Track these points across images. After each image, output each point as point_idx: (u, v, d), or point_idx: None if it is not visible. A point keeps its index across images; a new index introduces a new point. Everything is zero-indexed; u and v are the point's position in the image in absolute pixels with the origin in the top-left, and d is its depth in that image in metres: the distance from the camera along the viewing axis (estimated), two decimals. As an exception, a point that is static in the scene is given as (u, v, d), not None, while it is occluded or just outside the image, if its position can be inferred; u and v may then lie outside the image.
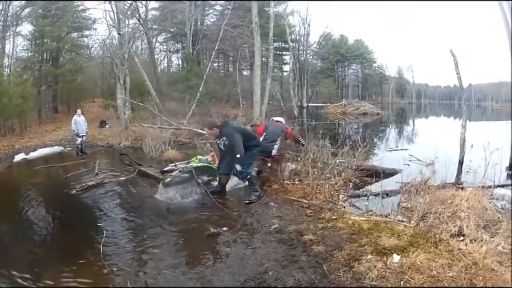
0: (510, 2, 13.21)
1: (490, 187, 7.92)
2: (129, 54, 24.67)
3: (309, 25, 54.68)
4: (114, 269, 5.15)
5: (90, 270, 5.15)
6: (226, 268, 5.10)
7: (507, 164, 11.79)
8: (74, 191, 9.70)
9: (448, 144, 13.26)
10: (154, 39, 43.67)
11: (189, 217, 7.45)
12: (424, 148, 13.83)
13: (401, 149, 17.25)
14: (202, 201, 8.32)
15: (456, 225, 5.82)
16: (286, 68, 56.22)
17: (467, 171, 11.07)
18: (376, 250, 5.18)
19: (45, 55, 31.69)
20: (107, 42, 29.82)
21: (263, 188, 8.73)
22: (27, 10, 30.00)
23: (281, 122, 10.38)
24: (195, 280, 4.83)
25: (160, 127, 17.88)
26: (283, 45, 52.64)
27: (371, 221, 6.43)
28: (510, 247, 5.03)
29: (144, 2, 34.36)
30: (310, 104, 53.55)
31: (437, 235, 5.44)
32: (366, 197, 8.67)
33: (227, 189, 8.90)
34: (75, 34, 34.36)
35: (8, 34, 29.00)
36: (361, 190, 9.42)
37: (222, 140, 8.31)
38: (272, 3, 27.40)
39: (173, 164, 10.51)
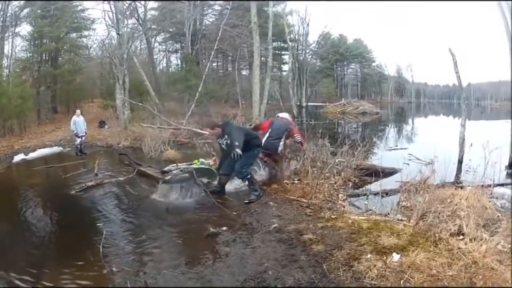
0: (509, 2, 13.21)
1: (489, 186, 7.93)
2: (128, 54, 24.68)
3: (308, 25, 54.82)
4: (113, 269, 5.15)
5: (89, 271, 5.14)
6: (226, 268, 5.09)
7: (507, 163, 11.80)
8: (73, 192, 9.70)
9: (448, 143, 13.27)
10: (153, 39, 43.69)
11: (188, 217, 7.45)
12: (423, 147, 13.82)
13: (401, 148, 17.24)
14: (201, 201, 8.30)
15: (455, 224, 5.82)
16: (285, 67, 56.29)
17: (467, 170, 11.06)
18: (375, 249, 5.18)
19: (44, 55, 31.68)
20: (106, 42, 29.87)
21: (262, 188, 8.71)
22: (26, 10, 30.02)
23: (286, 118, 10.34)
24: (195, 280, 4.83)
25: (159, 127, 17.88)
26: (282, 45, 52.64)
27: (370, 220, 6.43)
28: (510, 246, 5.03)
29: (143, 2, 34.41)
30: (309, 104, 53.63)
31: (436, 234, 5.44)
32: (365, 196, 8.66)
33: (230, 191, 8.90)
34: (74, 35, 34.34)
35: (7, 34, 28.99)
36: (360, 189, 9.41)
37: (225, 139, 8.30)
38: (271, 3, 27.40)
39: (175, 164, 10.51)
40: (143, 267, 5.22)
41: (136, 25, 32.29)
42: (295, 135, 9.84)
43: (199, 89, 25.42)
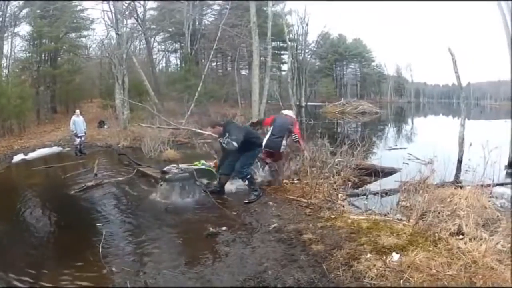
0: (509, 2, 13.22)
1: (489, 185, 7.93)
2: (127, 54, 24.67)
3: (307, 25, 54.80)
4: (113, 269, 5.15)
5: (89, 271, 5.15)
6: (226, 268, 5.10)
7: (506, 163, 11.81)
8: (73, 192, 9.70)
9: (447, 142, 13.28)
10: (152, 39, 43.61)
11: (188, 217, 7.46)
12: (423, 147, 13.82)
13: (400, 148, 17.25)
14: (201, 201, 8.31)
15: (455, 223, 5.83)
16: (285, 67, 56.31)
17: (466, 170, 11.04)
18: (375, 249, 5.19)
19: (43, 55, 31.64)
20: (105, 42, 29.84)
21: (262, 188, 8.71)
22: (25, 10, 29.97)
23: (290, 116, 10.28)
24: (195, 280, 4.84)
25: (158, 127, 17.85)
26: (281, 45, 52.56)
27: (370, 220, 6.44)
28: (509, 245, 5.03)
29: (142, 2, 34.36)
30: (308, 104, 53.64)
31: (436, 234, 5.45)
32: (365, 196, 8.67)
33: (232, 191, 8.90)
34: (73, 35, 34.30)
35: (6, 34, 28.95)
36: (360, 189, 9.42)
37: (226, 138, 8.30)
38: (270, 2, 27.36)
39: (175, 165, 10.52)
40: (143, 267, 5.23)
41: (135, 25, 32.32)
42: (293, 134, 9.79)
43: (199, 89, 25.40)
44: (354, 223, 6.32)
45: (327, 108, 47.13)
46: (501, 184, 8.81)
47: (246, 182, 8.32)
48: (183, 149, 16.00)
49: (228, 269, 5.05)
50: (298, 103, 46.53)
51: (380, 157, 11.97)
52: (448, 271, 4.46)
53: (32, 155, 16.32)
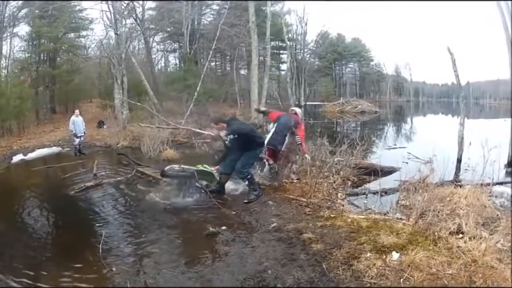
0: (508, 2, 13.24)
1: (488, 184, 7.94)
2: (126, 54, 24.68)
3: (306, 24, 54.63)
4: (113, 269, 5.15)
5: (89, 271, 5.14)
6: (226, 267, 5.10)
7: (506, 162, 11.83)
8: (72, 192, 9.70)
9: (446, 142, 13.32)
10: (151, 39, 43.52)
11: (187, 216, 7.44)
12: (422, 146, 13.83)
13: (399, 147, 17.28)
14: (200, 201, 8.29)
15: (455, 222, 5.83)
16: (284, 67, 56.25)
17: (466, 169, 11.07)
18: (375, 248, 5.19)
19: (42, 55, 31.57)
20: (104, 42, 29.85)
21: (261, 187, 8.70)
22: (24, 11, 29.90)
23: (296, 115, 10.24)
24: (195, 280, 4.83)
25: (158, 127, 17.82)
26: (280, 44, 52.48)
27: (370, 219, 6.44)
28: (509, 244, 5.04)
29: (141, 2, 34.29)
30: (308, 103, 53.53)
31: (436, 233, 5.45)
32: (364, 195, 8.69)
33: (235, 193, 8.88)
34: (72, 35, 34.22)
35: (5, 35, 28.88)
36: (359, 188, 9.45)
37: (229, 135, 8.29)
38: (268, 2, 27.43)
39: (177, 165, 10.52)
40: (142, 267, 5.22)
41: (134, 25, 32.26)
42: (296, 136, 9.77)
43: (198, 89, 25.37)
44: (354, 222, 6.32)
45: (326, 107, 47.14)
46: (501, 183, 8.82)
47: (246, 182, 8.30)
48: (182, 148, 16.02)
49: (228, 269, 5.05)
50: (297, 102, 46.40)
51: (380, 156, 12.01)
52: (448, 270, 4.46)
53: (31, 155, 16.33)
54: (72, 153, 16.63)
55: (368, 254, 5.02)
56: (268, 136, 9.46)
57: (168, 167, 9.53)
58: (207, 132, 13.84)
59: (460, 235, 5.50)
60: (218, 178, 8.84)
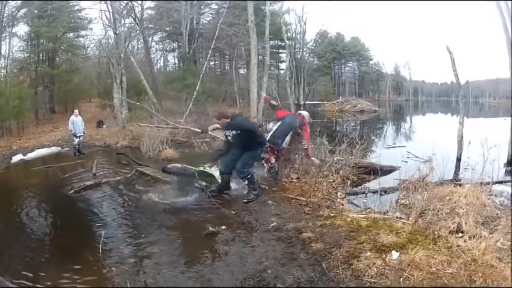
0: (508, 2, 13.24)
1: (488, 183, 7.94)
2: (125, 53, 24.64)
3: (305, 23, 54.72)
4: (113, 269, 5.15)
5: (89, 271, 5.14)
6: (225, 267, 5.10)
7: (505, 161, 11.83)
8: (72, 191, 9.70)
9: (446, 141, 13.32)
10: (150, 38, 43.50)
11: (187, 216, 7.45)
12: (421, 145, 13.85)
13: (399, 146, 17.28)
14: (200, 201, 8.30)
15: (454, 221, 5.83)
16: (283, 66, 56.37)
17: (465, 168, 11.07)
18: (375, 247, 5.19)
19: (41, 55, 31.53)
20: (103, 42, 29.88)
21: (260, 187, 8.70)
22: (23, 10, 29.86)
23: (302, 116, 10.23)
24: (194, 279, 4.83)
25: (157, 127, 17.77)
26: (279, 43, 52.53)
27: (369, 218, 6.45)
28: (509, 243, 5.04)
29: (139, 2, 34.27)
30: (307, 102, 53.52)
31: (435, 232, 5.45)
32: (364, 195, 8.69)
33: (233, 193, 8.86)
34: (71, 34, 34.17)
35: (4, 35, 28.85)
36: (359, 187, 9.45)
37: (231, 132, 8.29)
38: (267, 1, 27.39)
39: (179, 164, 10.52)
40: (142, 267, 5.22)
41: (133, 25, 32.18)
42: (303, 141, 9.78)
43: (197, 88, 25.32)
44: (354, 222, 6.33)
45: (326, 106, 47.04)
46: (500, 182, 8.80)
47: (246, 182, 8.29)
48: (182, 148, 16.01)
49: (228, 268, 5.05)
50: (296, 101, 46.42)
51: (379, 155, 11.98)
52: (448, 269, 4.46)
53: (30, 155, 16.31)
54: (71, 153, 16.61)
55: (368, 253, 5.03)
56: (270, 133, 9.49)
57: (170, 165, 9.54)
58: (199, 129, 13.76)
59: (460, 234, 5.51)
60: (218, 180, 8.86)
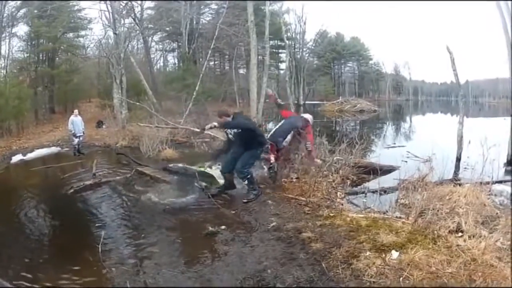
0: (508, 2, 13.24)
1: (488, 183, 7.94)
2: (125, 53, 24.62)
3: (304, 23, 54.69)
4: (113, 269, 5.15)
5: (89, 271, 5.15)
6: (225, 267, 5.10)
7: (505, 160, 11.83)
8: (72, 190, 9.71)
9: (446, 140, 13.31)
10: (150, 39, 43.45)
11: (186, 216, 7.45)
12: (421, 144, 13.83)
13: (399, 146, 17.29)
14: (199, 201, 8.30)
15: (454, 221, 5.83)
16: (283, 66, 56.24)
17: (465, 168, 11.06)
18: (374, 247, 5.20)
19: (41, 55, 31.51)
20: (103, 42, 29.79)
21: (260, 187, 8.69)
22: (22, 11, 29.84)
23: (305, 118, 10.19)
24: (194, 279, 4.83)
25: (157, 127, 17.75)
26: (279, 43, 52.49)
27: (369, 218, 6.45)
28: (509, 242, 5.04)
29: (139, 2, 34.21)
30: (307, 102, 53.52)
31: (435, 232, 5.46)
32: (364, 194, 8.69)
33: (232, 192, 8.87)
34: (71, 34, 34.13)
35: (4, 35, 28.82)
36: (358, 187, 9.44)
37: (232, 129, 8.29)
38: (267, 1, 27.37)
39: (182, 164, 10.55)
40: (142, 266, 5.22)
41: (132, 25, 32.12)
42: (307, 143, 9.79)
43: (197, 88, 25.29)
44: (353, 221, 6.33)
45: (325, 106, 46.99)
46: (500, 182, 8.80)
47: (246, 182, 8.29)
48: (182, 148, 16.01)
49: (228, 268, 5.06)
50: (296, 101, 46.39)
51: (379, 155, 11.95)
52: (448, 269, 4.46)
53: (30, 155, 16.32)
54: (71, 153, 16.61)
55: (368, 253, 5.03)
56: (272, 131, 9.53)
57: (171, 165, 9.56)
58: (198, 129, 13.78)
59: (460, 234, 5.51)
60: (219, 181, 8.89)
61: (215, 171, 9.29)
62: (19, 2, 29.20)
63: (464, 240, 5.14)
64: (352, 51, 67.75)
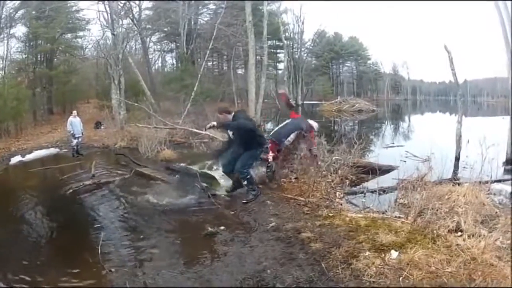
0: (507, 1, 13.24)
1: (487, 182, 7.93)
2: (123, 54, 24.59)
3: (303, 23, 54.63)
4: (112, 270, 5.14)
5: (88, 272, 5.14)
6: (224, 267, 5.10)
7: (504, 159, 11.84)
8: (70, 190, 9.73)
9: (444, 140, 13.30)
10: (148, 39, 43.37)
11: (185, 217, 7.46)
12: (420, 144, 13.83)
13: (397, 146, 17.27)
14: (199, 201, 8.31)
15: (453, 220, 5.83)
16: (281, 66, 56.15)
17: (464, 167, 11.07)
18: (374, 247, 5.20)
19: (39, 56, 31.44)
20: (101, 43, 29.68)
21: (259, 187, 8.69)
22: (20, 12, 29.80)
23: (310, 124, 10.24)
24: (194, 280, 4.83)
25: (155, 127, 17.76)
26: (277, 43, 52.42)
27: (368, 218, 6.46)
28: (508, 242, 5.04)
29: (137, 2, 34.21)
30: (305, 102, 53.47)
31: (434, 231, 5.45)
32: (363, 194, 8.69)
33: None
34: (69, 35, 34.07)
35: (2, 36, 28.80)
36: (357, 187, 9.44)
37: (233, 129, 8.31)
38: (265, 1, 27.38)
39: (184, 163, 10.57)
40: (142, 267, 5.22)
41: (130, 25, 32.05)
42: (313, 147, 9.82)
43: (195, 89, 25.29)
44: (352, 221, 6.33)
45: (324, 106, 46.91)
46: (499, 181, 8.80)
47: (245, 182, 8.29)
48: (180, 149, 15.98)
49: (227, 269, 5.06)
50: (294, 101, 46.36)
51: (378, 155, 11.95)
52: (447, 268, 4.46)
53: (29, 156, 16.33)
54: (70, 154, 16.59)
55: (367, 253, 5.03)
56: (275, 129, 9.58)
57: (174, 165, 9.58)
58: (204, 132, 13.83)
59: (459, 233, 5.51)
60: (219, 181, 8.92)
61: (216, 172, 9.31)
62: (17, 3, 29.18)
63: (464, 240, 5.14)
64: (350, 51, 67.73)
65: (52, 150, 18.11)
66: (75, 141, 16.31)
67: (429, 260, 4.64)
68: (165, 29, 41.86)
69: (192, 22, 37.48)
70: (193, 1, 35.42)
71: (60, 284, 4.91)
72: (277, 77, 55.31)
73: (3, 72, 28.27)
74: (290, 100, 11.01)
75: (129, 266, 5.28)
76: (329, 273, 4.70)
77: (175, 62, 48.17)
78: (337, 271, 4.71)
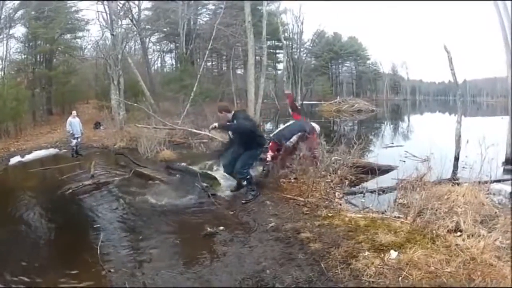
0: (507, 1, 13.24)
1: (486, 182, 7.93)
2: (122, 54, 24.56)
3: (302, 23, 54.72)
4: (112, 270, 5.14)
5: (88, 272, 5.14)
6: (224, 267, 5.10)
7: (503, 159, 11.84)
8: (70, 190, 9.73)
9: (444, 140, 13.30)
10: (147, 39, 43.38)
11: (185, 217, 7.46)
12: (419, 144, 13.84)
13: (397, 146, 17.26)
14: (198, 201, 8.31)
15: (453, 220, 5.83)
16: (280, 66, 56.15)
17: (463, 167, 11.08)
18: (373, 247, 5.20)
19: (38, 57, 31.44)
20: (100, 43, 29.68)
21: (258, 187, 8.69)
22: (20, 12, 29.78)
23: (312, 127, 10.27)
24: (193, 280, 4.83)
25: (155, 128, 17.75)
26: (276, 44, 52.44)
27: (367, 218, 6.45)
28: (508, 241, 5.05)
29: (136, 2, 34.19)
30: (304, 102, 53.46)
31: (434, 231, 5.45)
32: (362, 194, 8.68)
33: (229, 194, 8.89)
34: (68, 36, 34.07)
35: (1, 36, 28.81)
36: (357, 187, 9.43)
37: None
38: (264, 2, 27.35)
39: (185, 163, 10.59)
40: (141, 267, 5.22)
41: (130, 26, 32.03)
42: (315, 149, 9.82)
43: (194, 89, 25.29)
44: (352, 221, 6.33)
45: (323, 106, 46.92)
46: (499, 181, 8.80)
47: (245, 182, 8.31)
48: (180, 149, 15.97)
49: (226, 269, 5.06)
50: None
51: (377, 155, 11.95)
52: (447, 268, 4.46)
53: (28, 157, 16.32)
54: (69, 154, 16.58)
55: (366, 253, 5.03)
56: (278, 130, 9.61)
57: (175, 164, 9.60)
58: (204, 132, 13.84)
59: (458, 233, 5.51)
60: (220, 182, 8.94)
61: (217, 172, 9.33)
62: (16, 3, 29.17)
63: (463, 240, 5.14)
64: (349, 51, 67.77)
65: (52, 151, 18.08)
66: (74, 142, 16.31)
67: (428, 260, 4.64)
68: (165, 29, 41.86)
69: (192, 23, 37.49)
70: (192, 1, 35.40)
71: (59, 284, 4.91)
72: (277, 77, 55.31)
73: (2, 73, 28.31)
74: (295, 102, 11.08)
75: (128, 267, 5.28)
76: (328, 273, 4.70)
77: (174, 63, 48.23)
78: (336, 271, 4.71)
